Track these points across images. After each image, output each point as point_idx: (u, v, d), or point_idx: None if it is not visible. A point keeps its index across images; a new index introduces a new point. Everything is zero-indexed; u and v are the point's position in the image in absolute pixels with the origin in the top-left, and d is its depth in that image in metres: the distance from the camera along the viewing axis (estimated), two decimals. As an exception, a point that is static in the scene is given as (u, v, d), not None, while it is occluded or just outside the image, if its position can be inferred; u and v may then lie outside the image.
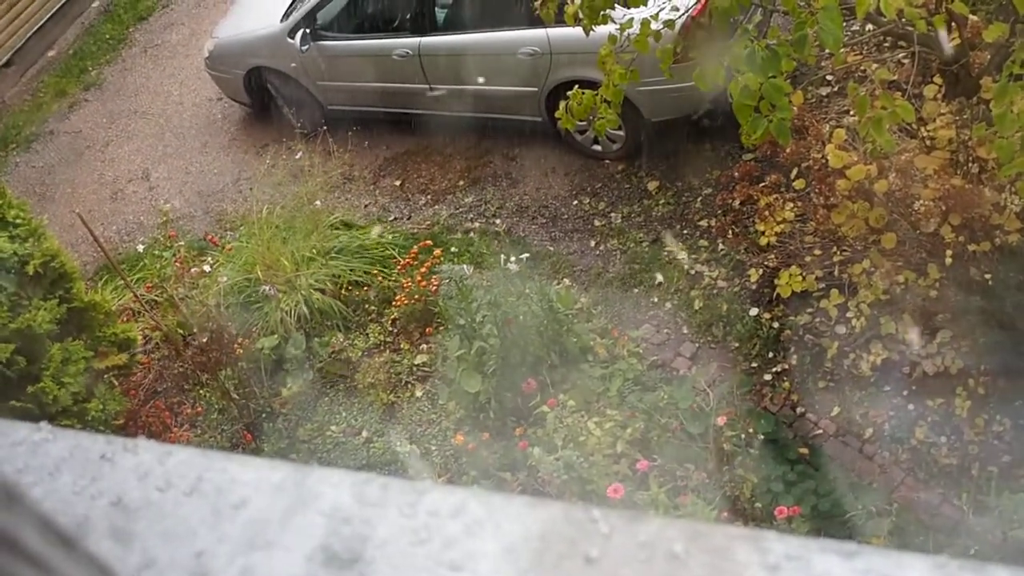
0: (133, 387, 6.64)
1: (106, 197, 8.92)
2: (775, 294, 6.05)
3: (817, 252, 5.85)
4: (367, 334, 6.92)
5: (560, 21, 5.32)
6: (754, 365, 6.19)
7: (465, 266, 7.13)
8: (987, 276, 5.18)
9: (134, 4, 11.24)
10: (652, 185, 7.43)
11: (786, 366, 6.10)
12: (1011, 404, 5.44)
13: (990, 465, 5.31)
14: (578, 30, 5.13)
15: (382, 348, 6.85)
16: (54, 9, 11.13)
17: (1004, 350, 5.31)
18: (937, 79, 5.36)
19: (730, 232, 6.59)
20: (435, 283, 6.80)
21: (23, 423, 0.87)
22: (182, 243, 7.79)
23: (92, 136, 9.65)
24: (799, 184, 5.82)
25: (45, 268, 5.63)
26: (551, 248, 7.30)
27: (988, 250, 5.11)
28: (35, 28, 10.93)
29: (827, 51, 4.43)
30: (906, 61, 5.91)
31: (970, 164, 5.23)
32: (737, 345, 6.31)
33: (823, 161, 5.39)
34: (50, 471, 0.82)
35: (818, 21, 3.61)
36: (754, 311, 6.40)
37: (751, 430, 5.54)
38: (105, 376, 6.07)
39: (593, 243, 7.24)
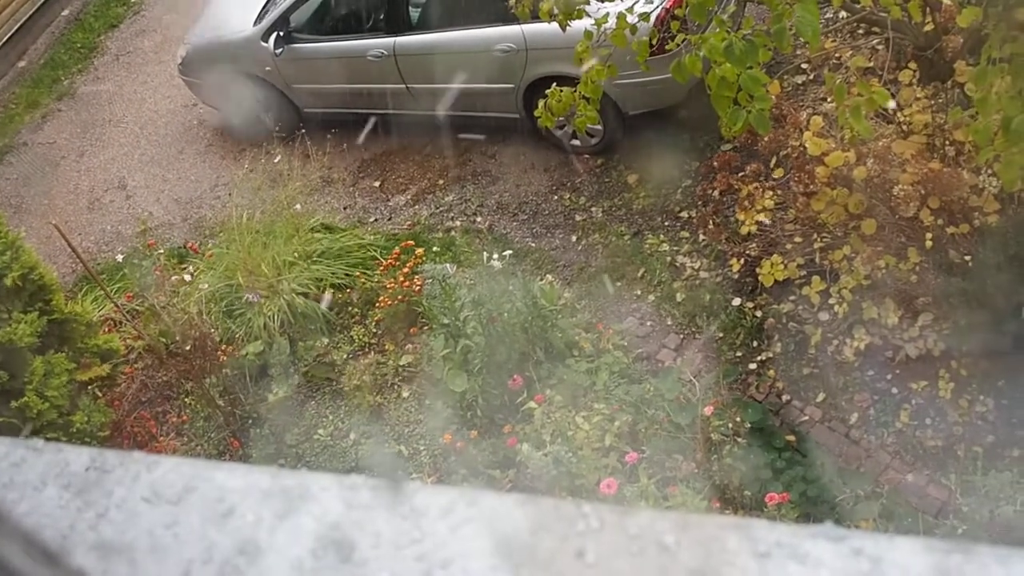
0: (117, 398, 6.61)
1: (83, 207, 8.86)
2: (757, 283, 6.07)
3: (798, 240, 5.87)
4: (351, 336, 6.91)
5: (535, 17, 5.32)
6: (739, 354, 6.21)
7: (448, 265, 7.12)
8: (967, 258, 5.22)
9: (104, 12, 11.16)
10: (632, 178, 7.44)
11: (770, 354, 6.12)
12: (994, 384, 5.48)
13: (975, 445, 5.35)
14: (553, 26, 5.14)
15: (367, 350, 6.83)
16: (23, 19, 11.04)
17: (985, 331, 5.35)
18: (912, 64, 5.39)
19: (711, 222, 6.60)
20: (418, 283, 6.79)
21: (7, 438, 0.86)
22: (162, 251, 7.74)
23: (67, 146, 9.58)
24: (778, 173, 5.84)
25: (24, 281, 5.59)
26: (533, 244, 7.30)
27: (967, 232, 5.14)
28: (4, 39, 10.83)
29: (802, 40, 4.44)
30: (880, 47, 5.94)
31: (947, 148, 5.27)
32: (721, 335, 6.33)
33: (801, 149, 5.41)
34: (35, 486, 0.81)
35: (795, 12, 3.62)
36: (737, 301, 6.42)
37: (738, 419, 5.56)
38: (89, 388, 6.03)
39: (575, 238, 7.25)
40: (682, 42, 5.03)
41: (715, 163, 6.28)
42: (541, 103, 5.28)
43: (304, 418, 6.58)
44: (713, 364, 6.20)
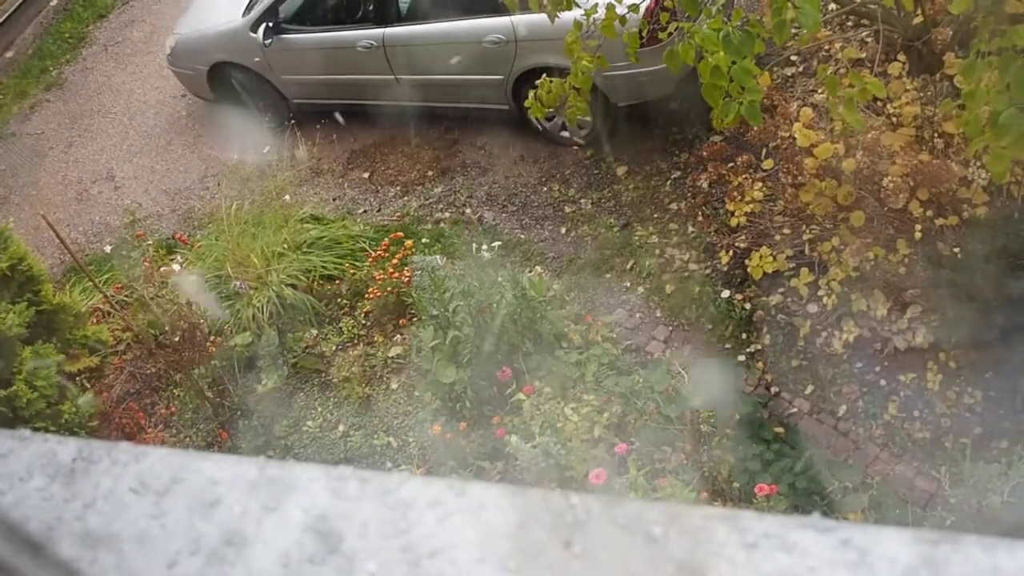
0: (106, 388, 6.58)
1: (71, 198, 8.81)
2: (747, 275, 6.08)
3: (787, 231, 5.88)
4: (340, 328, 6.90)
5: (525, 8, 5.31)
6: (728, 346, 6.22)
7: (437, 257, 7.11)
8: (956, 250, 5.23)
9: (92, 1, 11.09)
10: (621, 170, 7.44)
11: (759, 346, 6.14)
12: (981, 376, 5.50)
13: (963, 437, 5.37)
14: (543, 17, 5.12)
15: (356, 341, 6.82)
16: (11, 9, 10.96)
17: (973, 323, 5.37)
18: (901, 56, 5.40)
19: (700, 214, 6.62)
20: (407, 274, 6.78)
21: (-8, 429, 0.85)
22: (150, 242, 7.71)
23: (55, 137, 9.53)
24: (768, 164, 5.85)
25: (12, 271, 5.58)
26: (522, 236, 7.29)
27: (956, 224, 5.16)
28: (-8, 29, 10.77)
29: (792, 31, 4.43)
30: (869, 40, 5.95)
31: (935, 140, 5.28)
32: (710, 327, 6.34)
33: (791, 140, 5.42)
34: (21, 476, 0.81)
35: (796, 5, 3.61)
36: (726, 293, 6.43)
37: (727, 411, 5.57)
38: (77, 378, 6.01)
39: (564, 229, 7.24)
40: (675, 31, 5.03)
41: (705, 153, 6.28)
42: (531, 94, 5.27)
43: (293, 409, 6.57)
44: (702, 356, 6.21)
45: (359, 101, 8.33)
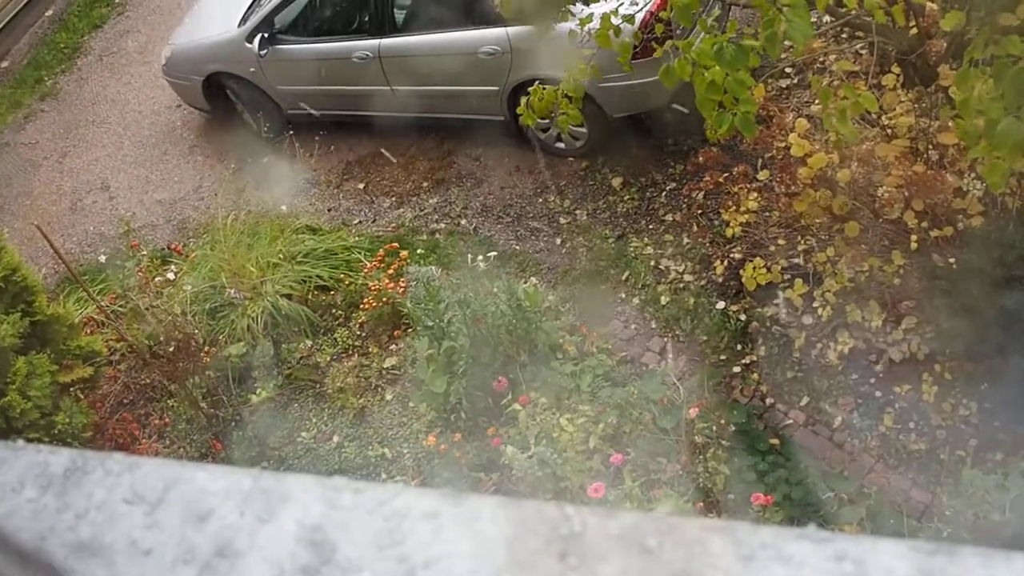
0: (100, 399, 6.56)
1: (65, 208, 8.81)
2: (741, 286, 6.08)
3: (782, 242, 5.89)
4: (335, 339, 6.89)
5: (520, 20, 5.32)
6: (723, 358, 6.22)
7: (433, 267, 7.11)
8: (951, 261, 5.24)
9: (87, 12, 11.10)
10: (616, 181, 7.45)
11: (754, 358, 6.14)
12: (977, 388, 5.51)
13: (958, 449, 5.37)
14: (538, 28, 5.14)
15: (350, 352, 6.81)
16: (6, 19, 10.97)
17: (969, 334, 5.37)
18: (895, 68, 5.42)
19: (695, 225, 6.62)
20: (402, 285, 6.78)
21: (-16, 439, 0.85)
22: (145, 253, 7.70)
23: (49, 147, 9.52)
24: (763, 175, 5.86)
25: (6, 282, 5.56)
26: (517, 247, 7.30)
27: (951, 235, 5.17)
28: (-12, 39, 10.77)
29: (787, 43, 4.44)
30: (864, 52, 5.97)
31: (930, 151, 5.29)
32: (705, 338, 6.34)
33: (786, 150, 5.43)
34: (13, 487, 0.80)
35: (786, 18, 3.62)
36: (721, 304, 6.43)
37: (722, 422, 5.57)
38: (71, 389, 6.00)
39: (559, 241, 7.25)
40: (670, 48, 5.04)
41: (700, 158, 6.28)
42: (523, 101, 5.28)
43: (287, 420, 6.55)
44: (697, 367, 6.21)
45: (355, 112, 8.33)
